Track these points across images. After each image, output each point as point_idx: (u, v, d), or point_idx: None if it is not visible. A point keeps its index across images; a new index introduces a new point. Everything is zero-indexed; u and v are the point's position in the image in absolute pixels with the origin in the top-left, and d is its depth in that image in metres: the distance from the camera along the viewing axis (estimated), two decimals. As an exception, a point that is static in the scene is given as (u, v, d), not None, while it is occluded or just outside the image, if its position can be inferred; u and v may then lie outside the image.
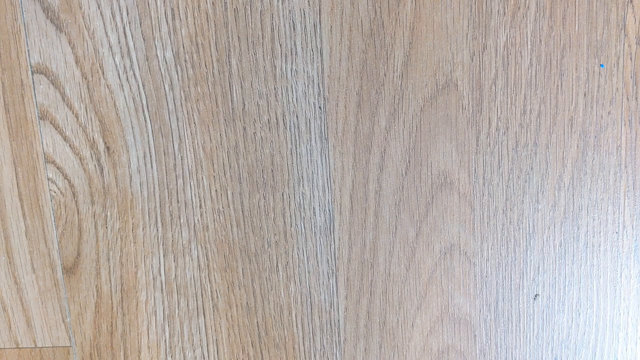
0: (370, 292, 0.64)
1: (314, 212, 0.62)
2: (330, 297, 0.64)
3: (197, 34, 0.59)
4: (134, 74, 0.60)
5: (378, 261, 0.63)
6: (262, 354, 0.65)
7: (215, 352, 0.65)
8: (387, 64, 0.59)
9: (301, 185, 0.62)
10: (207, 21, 0.59)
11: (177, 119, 0.61)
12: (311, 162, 0.61)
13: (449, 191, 0.62)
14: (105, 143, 0.62)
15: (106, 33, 0.59)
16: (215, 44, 0.59)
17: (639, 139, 0.60)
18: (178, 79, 0.60)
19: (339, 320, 0.64)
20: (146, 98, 0.61)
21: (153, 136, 0.61)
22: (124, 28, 0.59)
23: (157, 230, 0.63)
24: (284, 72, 0.60)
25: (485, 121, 0.60)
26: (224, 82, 0.60)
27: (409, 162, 0.61)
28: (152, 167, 0.62)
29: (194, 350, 0.65)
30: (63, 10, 0.59)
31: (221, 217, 0.63)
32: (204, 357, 0.66)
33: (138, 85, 0.60)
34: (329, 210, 0.62)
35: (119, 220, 0.63)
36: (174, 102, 0.61)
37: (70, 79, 0.60)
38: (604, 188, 0.61)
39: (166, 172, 0.62)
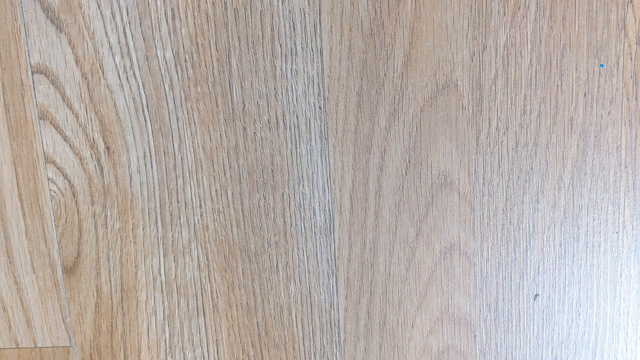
0: (370, 292, 0.64)
1: (314, 212, 0.62)
2: (330, 297, 0.64)
3: (197, 34, 0.59)
4: (134, 74, 0.60)
5: (378, 261, 0.63)
6: (262, 354, 0.65)
7: (215, 352, 0.65)
8: (387, 64, 0.59)
9: (301, 185, 0.62)
10: (207, 21, 0.59)
11: (177, 119, 0.61)
12: (311, 162, 0.61)
13: (449, 191, 0.62)
14: (105, 143, 0.62)
15: (106, 33, 0.59)
16: (215, 44, 0.59)
17: (639, 139, 0.60)
18: (178, 79, 0.60)
19: (339, 320, 0.64)
20: (146, 98, 0.61)
21: (153, 136, 0.61)
22: (124, 28, 0.59)
23: (157, 230, 0.63)
24: (284, 72, 0.60)
25: (485, 121, 0.60)
26: (224, 82, 0.60)
27: (409, 162, 0.61)
28: (152, 167, 0.62)
29: (194, 350, 0.65)
30: (63, 10, 0.59)
31: (221, 217, 0.63)
32: (204, 357, 0.66)
33: (138, 85, 0.60)
34: (329, 210, 0.62)
35: (119, 220, 0.63)
36: (174, 102, 0.61)
37: (70, 79, 0.60)
38: (604, 188, 0.61)
39: (166, 172, 0.62)
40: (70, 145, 0.62)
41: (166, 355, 0.66)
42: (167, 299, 0.64)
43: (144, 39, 0.59)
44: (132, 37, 0.59)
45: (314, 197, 0.62)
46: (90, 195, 0.63)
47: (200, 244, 0.63)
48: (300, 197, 0.62)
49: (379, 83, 0.60)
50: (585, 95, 0.60)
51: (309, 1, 0.58)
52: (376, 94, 0.60)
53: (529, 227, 0.62)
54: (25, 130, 0.61)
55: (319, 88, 0.60)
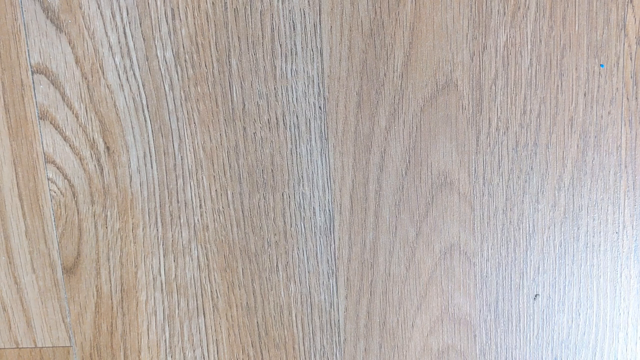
0: (370, 292, 0.64)
1: (314, 212, 0.62)
2: (330, 297, 0.64)
3: (197, 34, 0.59)
4: (134, 74, 0.60)
5: (378, 261, 0.63)
6: (262, 354, 0.65)
7: (215, 352, 0.65)
8: (387, 64, 0.59)
9: (301, 185, 0.62)
10: (207, 21, 0.59)
11: (177, 119, 0.61)
12: (311, 162, 0.61)
13: (449, 191, 0.62)
14: (105, 143, 0.62)
15: (106, 33, 0.59)
16: (215, 44, 0.59)
17: (639, 139, 0.60)
18: (178, 79, 0.60)
19: (339, 320, 0.64)
20: (146, 98, 0.61)
21: (153, 136, 0.61)
22: (124, 28, 0.59)
23: (157, 230, 0.63)
24: (284, 72, 0.60)
25: (485, 121, 0.60)
26: (224, 82, 0.60)
27: (409, 162, 0.61)
28: (152, 167, 0.62)
29: (194, 350, 0.65)
30: (63, 10, 0.59)
31: (221, 217, 0.63)
32: (204, 357, 0.66)
33: (138, 85, 0.60)
34: (329, 210, 0.62)
35: (119, 220, 0.63)
36: (174, 102, 0.61)
37: (70, 79, 0.60)
38: (604, 188, 0.61)
39: (166, 172, 0.62)
40: (70, 145, 0.62)
41: (166, 355, 0.66)
42: (167, 299, 0.64)
43: (144, 39, 0.59)
44: (132, 37, 0.59)
45: (314, 197, 0.62)
46: (90, 195, 0.63)
47: (200, 244, 0.63)
48: (300, 197, 0.62)
49: (379, 83, 0.60)
50: (585, 95, 0.60)
51: (309, 1, 0.58)
52: (376, 94, 0.60)
53: (529, 227, 0.62)
54: (25, 130, 0.61)
55: (319, 88, 0.60)
